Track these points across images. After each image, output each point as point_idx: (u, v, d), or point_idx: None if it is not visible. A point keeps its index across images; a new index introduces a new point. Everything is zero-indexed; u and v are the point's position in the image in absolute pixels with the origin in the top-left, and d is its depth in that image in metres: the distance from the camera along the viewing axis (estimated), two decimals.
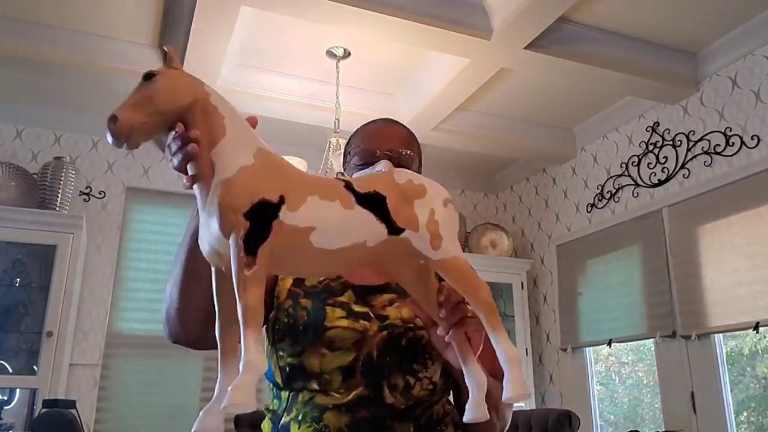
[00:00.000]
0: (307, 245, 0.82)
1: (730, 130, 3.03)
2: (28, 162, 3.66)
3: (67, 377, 3.37)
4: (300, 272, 1.04)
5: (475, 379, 0.91)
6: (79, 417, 2.85)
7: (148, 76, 0.84)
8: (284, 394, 1.12)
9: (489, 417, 0.88)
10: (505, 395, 0.82)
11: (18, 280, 3.36)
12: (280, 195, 0.81)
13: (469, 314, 0.96)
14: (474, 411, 0.88)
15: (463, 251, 4.19)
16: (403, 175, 0.94)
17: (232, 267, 0.77)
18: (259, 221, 0.79)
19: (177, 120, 0.84)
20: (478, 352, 0.96)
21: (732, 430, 2.90)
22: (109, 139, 0.78)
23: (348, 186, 0.88)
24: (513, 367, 0.83)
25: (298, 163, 2.90)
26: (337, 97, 3.11)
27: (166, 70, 0.87)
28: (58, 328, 3.15)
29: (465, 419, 0.89)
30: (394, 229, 0.88)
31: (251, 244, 0.78)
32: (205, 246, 0.82)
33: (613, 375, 3.88)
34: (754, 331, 2.79)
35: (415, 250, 0.89)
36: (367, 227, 0.85)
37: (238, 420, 2.93)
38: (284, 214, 0.80)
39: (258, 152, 0.85)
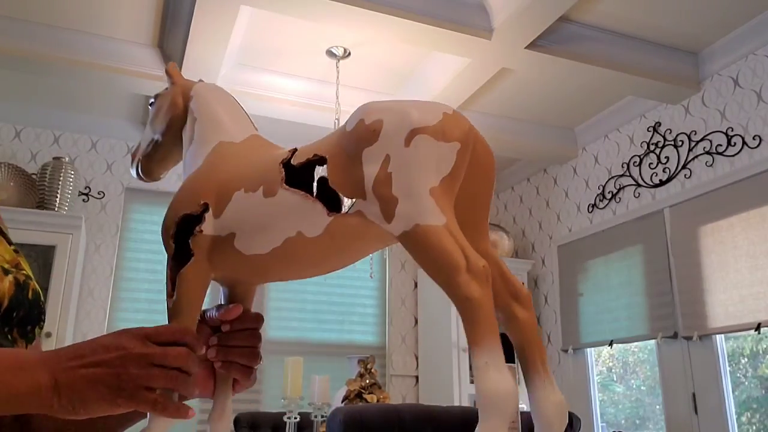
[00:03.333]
0: (237, 253, 0.67)
1: (732, 130, 3.02)
2: (27, 162, 3.65)
3: None
4: (268, 280, 0.77)
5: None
6: None
7: (151, 103, 0.89)
8: None
9: None
10: None
11: None
12: (204, 202, 0.69)
13: (257, 347, 0.73)
14: None
15: None
16: (358, 113, 0.66)
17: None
18: (183, 240, 0.69)
19: (177, 136, 0.83)
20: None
21: (733, 431, 2.89)
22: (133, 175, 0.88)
23: (288, 160, 0.68)
24: (489, 419, 0.52)
25: None
26: (337, 97, 3.10)
27: (161, 93, 0.87)
28: (57, 328, 3.14)
29: None
30: (336, 205, 0.66)
31: (176, 267, 0.69)
32: None
33: (614, 376, 3.86)
34: (756, 332, 2.78)
35: (378, 227, 0.62)
36: (297, 213, 0.64)
37: (238, 420, 2.93)
38: (208, 223, 0.69)
39: (213, 149, 0.75)
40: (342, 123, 3.23)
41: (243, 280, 0.73)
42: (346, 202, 0.66)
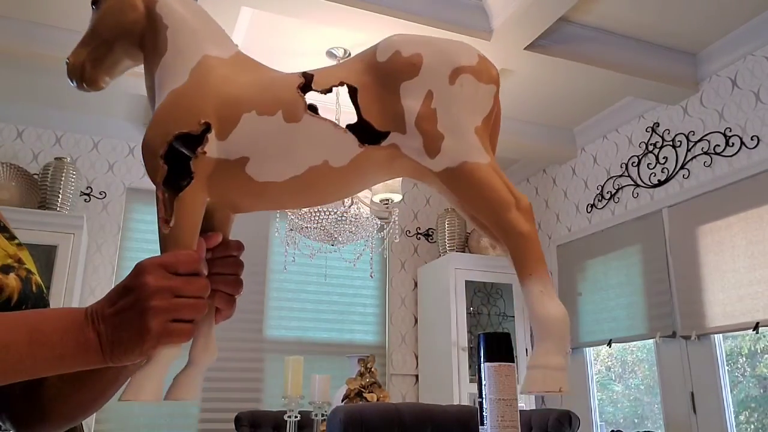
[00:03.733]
0: (248, 179, 0.64)
1: (730, 131, 3.04)
2: (29, 162, 3.67)
3: None
4: (268, 208, 0.73)
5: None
6: None
7: (95, 2, 0.74)
8: None
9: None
10: (524, 385, 0.58)
11: None
12: (205, 122, 0.63)
13: (238, 276, 0.70)
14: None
15: (463, 251, 4.16)
16: (389, 44, 0.65)
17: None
18: (177, 163, 0.63)
19: (131, 43, 0.70)
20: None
21: (732, 430, 2.90)
22: (72, 84, 0.73)
23: (305, 85, 0.65)
24: (542, 344, 0.56)
25: None
26: (338, 98, 3.11)
27: None
28: None
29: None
30: (369, 136, 0.63)
31: (170, 191, 0.63)
32: None
33: (612, 375, 3.88)
34: (754, 332, 2.79)
35: (412, 161, 0.62)
36: (324, 142, 0.62)
37: (239, 419, 2.94)
38: (211, 145, 0.63)
39: (200, 63, 0.66)
40: (342, 123, 3.25)
41: (238, 206, 0.69)
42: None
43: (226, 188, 0.65)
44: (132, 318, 0.58)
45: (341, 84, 0.64)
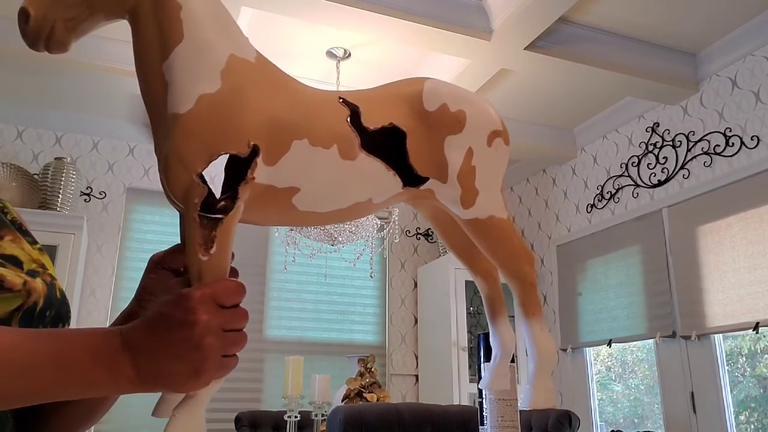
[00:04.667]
0: (291, 208, 0.62)
1: (730, 131, 3.04)
2: (29, 162, 3.67)
3: None
4: (288, 225, 0.72)
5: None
6: None
7: None
8: None
9: None
10: (525, 402, 0.71)
11: None
12: (254, 144, 0.57)
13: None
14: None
15: None
16: (436, 94, 0.68)
17: (187, 248, 0.59)
18: (215, 183, 0.57)
19: (121, 8, 0.58)
20: None
21: (732, 430, 2.90)
22: (26, 41, 0.57)
23: (354, 118, 0.64)
24: (540, 370, 0.70)
25: None
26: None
27: None
28: None
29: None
30: (412, 179, 0.66)
31: (210, 215, 0.57)
32: (162, 188, 0.60)
33: (612, 375, 3.88)
34: (754, 332, 2.79)
35: (441, 205, 0.70)
36: (374, 181, 0.64)
37: (239, 419, 2.94)
38: (259, 170, 0.58)
39: (229, 64, 0.58)
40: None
41: (257, 222, 0.66)
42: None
43: (264, 212, 0.63)
44: (183, 354, 0.55)
45: (391, 125, 0.65)
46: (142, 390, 0.57)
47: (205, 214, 0.57)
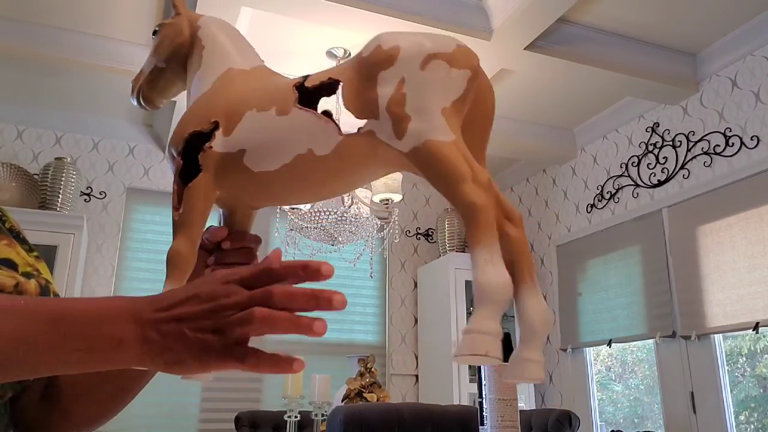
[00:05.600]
0: (247, 171, 0.69)
1: (730, 131, 3.04)
2: (29, 162, 3.67)
3: None
4: (272, 202, 0.76)
5: None
6: None
7: (154, 32, 0.88)
8: None
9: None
10: (456, 350, 0.57)
11: None
12: (214, 120, 0.70)
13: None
14: None
15: (463, 251, 4.14)
16: (376, 39, 0.68)
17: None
18: (190, 157, 0.71)
19: (179, 65, 0.82)
20: None
21: (732, 430, 2.90)
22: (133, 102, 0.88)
23: (301, 84, 0.70)
24: (483, 306, 0.56)
25: None
26: (338, 98, 3.11)
27: (165, 22, 0.86)
28: None
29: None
30: (349, 125, 0.68)
31: (183, 183, 0.71)
32: None
33: (612, 375, 3.88)
34: (754, 332, 2.79)
35: (390, 147, 0.64)
36: (308, 132, 0.66)
37: (239, 419, 2.94)
38: (218, 141, 0.70)
39: (222, 74, 0.76)
40: (342, 124, 3.26)
41: (246, 201, 0.73)
42: (358, 123, 0.68)
43: (230, 180, 0.70)
44: (196, 332, 0.52)
45: (329, 79, 0.68)
46: (154, 366, 0.53)
47: (179, 182, 0.71)
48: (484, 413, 1.02)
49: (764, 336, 2.93)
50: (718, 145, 3.09)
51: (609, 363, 3.91)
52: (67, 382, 0.78)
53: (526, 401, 3.84)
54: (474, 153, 0.66)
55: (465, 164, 0.59)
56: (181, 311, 0.52)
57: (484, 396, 1.04)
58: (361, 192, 3.02)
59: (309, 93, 0.69)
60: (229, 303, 0.52)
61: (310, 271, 0.55)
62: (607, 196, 3.76)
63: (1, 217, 0.81)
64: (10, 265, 0.74)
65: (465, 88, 0.65)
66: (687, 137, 3.27)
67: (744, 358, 3.04)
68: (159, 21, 2.94)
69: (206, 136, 0.70)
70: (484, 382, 1.04)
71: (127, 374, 0.75)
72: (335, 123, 0.66)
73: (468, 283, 4.06)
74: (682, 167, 3.28)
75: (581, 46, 2.96)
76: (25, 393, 0.77)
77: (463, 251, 4.26)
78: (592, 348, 3.81)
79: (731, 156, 3.02)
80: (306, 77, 0.71)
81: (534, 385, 4.07)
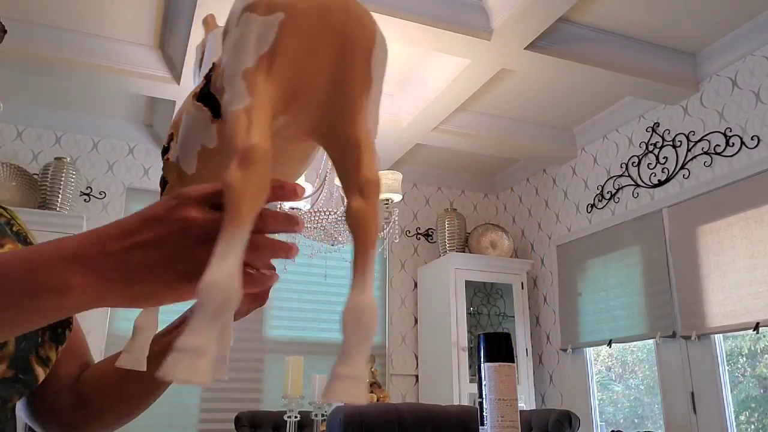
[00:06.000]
0: (185, 175, 0.63)
1: (730, 131, 3.04)
2: (29, 162, 3.67)
3: None
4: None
5: None
6: None
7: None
8: None
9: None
10: (327, 393, 0.46)
11: None
12: (171, 132, 0.68)
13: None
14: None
15: (463, 251, 4.14)
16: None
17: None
18: None
19: None
20: None
21: (732, 431, 2.90)
22: None
23: (207, 74, 0.62)
24: (346, 349, 0.47)
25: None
26: None
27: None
28: None
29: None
30: (215, 110, 0.55)
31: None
32: None
33: (613, 375, 3.88)
34: (754, 332, 2.79)
35: None
36: (198, 127, 0.57)
37: (239, 419, 2.94)
38: (173, 151, 0.66)
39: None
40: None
41: None
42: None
43: (181, 186, 0.62)
44: (164, 258, 0.46)
45: (213, 65, 0.57)
46: (117, 303, 0.48)
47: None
48: (484, 413, 1.02)
49: (764, 336, 2.92)
50: (719, 145, 3.09)
51: (609, 363, 3.91)
52: (96, 384, 0.78)
53: (526, 401, 3.84)
54: (344, 108, 0.51)
55: (242, 135, 0.45)
56: (142, 237, 0.46)
57: (484, 396, 1.04)
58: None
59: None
60: (198, 221, 0.45)
61: (288, 191, 0.49)
62: (608, 196, 3.76)
63: (9, 221, 0.80)
64: None
65: (276, 34, 0.48)
66: (687, 137, 3.27)
67: (744, 358, 3.04)
68: (159, 21, 2.94)
69: (166, 149, 0.67)
70: (484, 382, 1.04)
71: (152, 369, 0.71)
72: (207, 109, 0.54)
73: (468, 283, 4.06)
74: (682, 167, 3.28)
75: (581, 46, 2.96)
76: (57, 397, 0.76)
77: (463, 251, 4.26)
78: (592, 348, 3.81)
79: (731, 156, 3.02)
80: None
81: (534, 385, 4.07)
